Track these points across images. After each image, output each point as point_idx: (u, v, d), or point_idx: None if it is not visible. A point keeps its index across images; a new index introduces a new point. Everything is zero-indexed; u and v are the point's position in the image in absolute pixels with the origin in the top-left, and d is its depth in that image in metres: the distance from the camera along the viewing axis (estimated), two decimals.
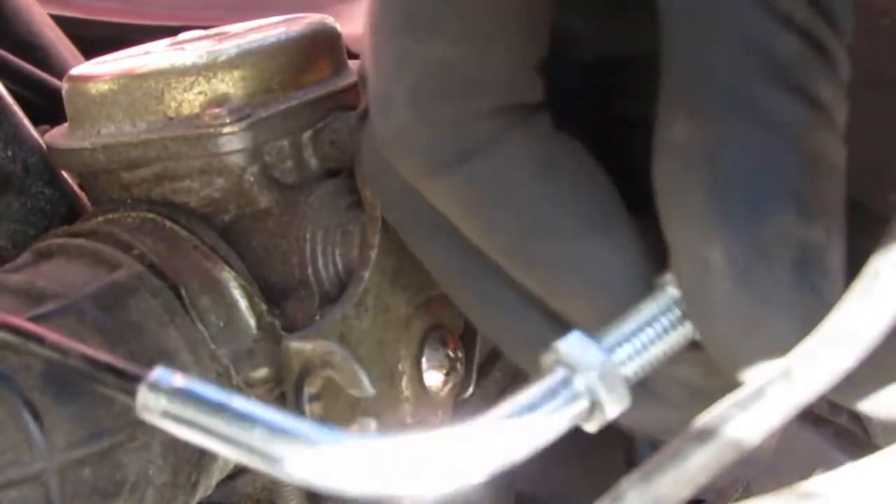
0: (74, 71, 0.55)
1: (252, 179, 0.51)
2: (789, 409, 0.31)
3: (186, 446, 0.47)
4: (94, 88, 0.52)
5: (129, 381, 0.33)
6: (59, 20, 0.91)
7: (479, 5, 0.36)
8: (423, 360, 0.51)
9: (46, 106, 0.61)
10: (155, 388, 0.32)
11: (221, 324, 0.49)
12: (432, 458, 0.29)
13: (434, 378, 0.51)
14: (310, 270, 0.50)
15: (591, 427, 0.32)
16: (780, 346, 0.32)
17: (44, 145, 0.55)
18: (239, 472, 0.53)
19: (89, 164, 0.52)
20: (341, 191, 0.52)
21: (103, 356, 0.37)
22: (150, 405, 0.32)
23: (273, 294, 0.50)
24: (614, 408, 0.32)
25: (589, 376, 0.31)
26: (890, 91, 0.38)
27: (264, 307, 0.49)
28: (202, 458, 0.48)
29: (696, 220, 0.33)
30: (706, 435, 0.30)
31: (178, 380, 0.32)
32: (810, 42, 0.33)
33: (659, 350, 0.34)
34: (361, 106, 0.44)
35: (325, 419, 0.44)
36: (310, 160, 0.52)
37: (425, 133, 0.37)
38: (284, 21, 0.56)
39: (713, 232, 0.33)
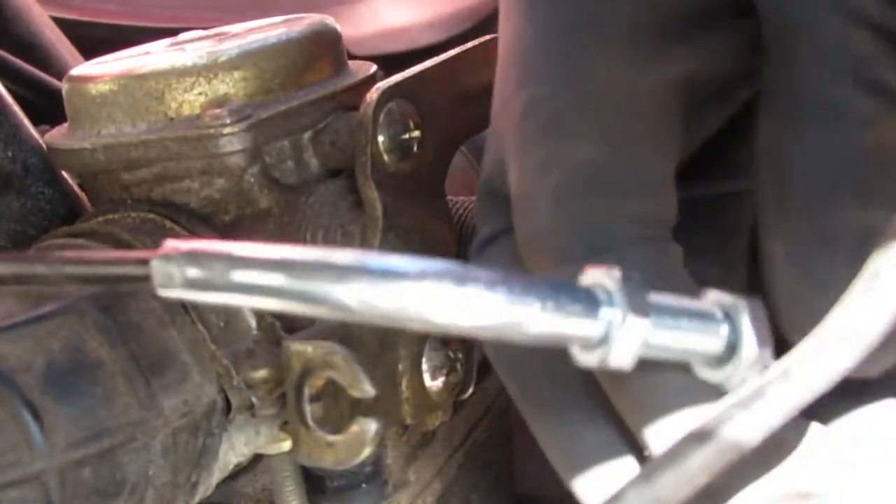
0: (74, 71, 0.55)
1: (252, 180, 0.51)
2: (789, 409, 0.31)
3: (187, 446, 0.47)
4: (95, 89, 0.52)
5: (139, 265, 0.32)
6: (59, 22, 0.92)
7: (621, 110, 0.37)
8: (424, 360, 0.51)
9: (46, 106, 0.61)
10: (168, 259, 0.30)
11: (222, 324, 0.49)
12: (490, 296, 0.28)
13: (434, 378, 0.51)
14: None
15: (584, 360, 0.31)
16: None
17: (44, 145, 0.55)
18: (239, 472, 0.53)
19: (89, 165, 0.52)
20: (342, 191, 0.52)
21: (103, 255, 0.35)
22: (170, 279, 0.30)
23: None
24: (619, 356, 0.30)
25: (616, 314, 0.30)
26: None
27: None
28: (202, 458, 0.48)
29: (766, 215, 0.35)
30: (706, 435, 0.30)
31: (189, 245, 0.30)
32: (882, 33, 0.33)
33: (683, 342, 0.33)
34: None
35: (325, 420, 0.44)
36: (310, 161, 0.52)
37: (564, 232, 0.37)
38: (285, 22, 0.56)
39: (777, 225, 0.34)
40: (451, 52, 0.54)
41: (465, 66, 0.54)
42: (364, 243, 0.49)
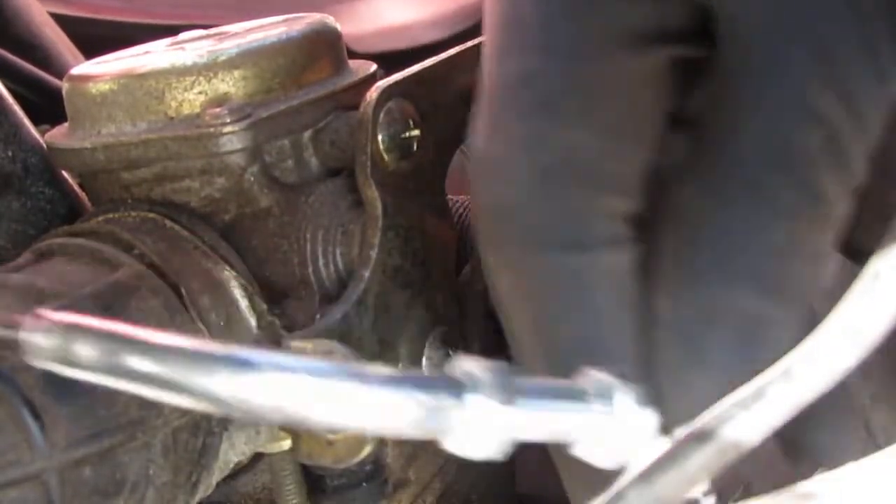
0: (75, 71, 0.55)
1: (252, 179, 0.51)
2: (789, 408, 0.31)
3: (187, 445, 0.47)
4: (95, 88, 0.52)
5: (12, 329, 0.31)
6: (59, 19, 0.92)
7: (619, 105, 0.37)
8: (424, 359, 0.51)
9: (46, 106, 0.61)
10: (40, 328, 0.29)
11: (222, 323, 0.49)
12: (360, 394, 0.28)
13: None
14: (310, 270, 0.50)
15: (451, 446, 0.30)
16: (704, 407, 0.32)
17: (44, 145, 0.55)
18: (239, 471, 0.53)
19: (89, 164, 0.52)
20: (342, 190, 0.52)
21: None
22: (40, 347, 0.29)
23: (273, 293, 0.50)
24: (480, 444, 0.30)
25: (480, 401, 0.30)
26: None
27: (265, 306, 0.49)
28: (202, 457, 0.48)
29: (661, 269, 0.35)
30: (706, 435, 0.30)
31: (65, 317, 0.29)
32: (829, 137, 0.33)
33: (554, 425, 0.32)
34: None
35: None
36: (310, 160, 0.52)
37: (541, 213, 0.37)
38: (285, 21, 0.56)
39: (668, 286, 0.34)
40: (452, 51, 0.54)
41: (466, 64, 0.54)
42: (364, 242, 0.49)
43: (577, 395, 0.33)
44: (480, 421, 0.30)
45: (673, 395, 0.34)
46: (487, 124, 0.38)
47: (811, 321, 0.32)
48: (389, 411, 0.29)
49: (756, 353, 0.34)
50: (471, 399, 0.30)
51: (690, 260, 0.35)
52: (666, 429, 0.33)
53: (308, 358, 0.28)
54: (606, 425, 0.33)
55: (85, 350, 0.28)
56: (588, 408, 0.32)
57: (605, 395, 0.33)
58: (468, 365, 0.30)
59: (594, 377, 0.33)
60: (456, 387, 0.30)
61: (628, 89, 0.37)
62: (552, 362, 0.37)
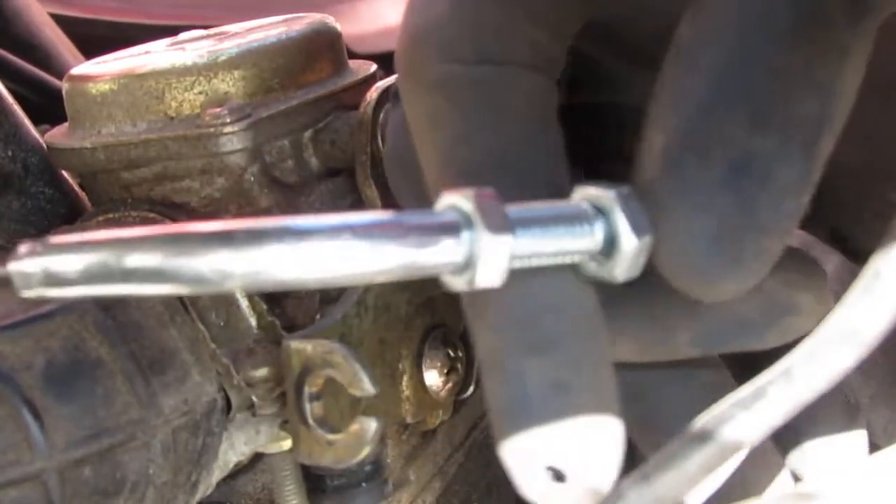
0: (75, 71, 0.55)
1: (252, 179, 0.51)
2: (790, 408, 0.31)
3: (187, 445, 0.47)
4: (95, 88, 0.52)
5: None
6: (59, 19, 0.92)
7: None
8: (424, 359, 0.51)
9: (46, 106, 0.61)
10: (24, 258, 0.27)
11: (221, 323, 0.49)
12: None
13: (434, 377, 0.51)
14: None
15: (456, 284, 0.30)
16: (686, 237, 0.31)
17: (44, 145, 0.55)
18: (239, 471, 0.53)
19: (89, 164, 0.52)
20: (342, 190, 0.52)
21: None
22: (29, 278, 0.27)
23: (273, 293, 0.50)
24: (485, 275, 0.30)
25: (480, 237, 0.29)
26: (890, 91, 0.38)
27: (264, 306, 0.49)
28: (202, 457, 0.48)
29: (654, 102, 0.33)
30: (706, 435, 0.30)
31: (44, 242, 0.27)
32: None
33: (554, 248, 0.32)
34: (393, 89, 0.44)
35: (325, 418, 0.44)
36: (310, 160, 0.52)
37: (457, 29, 0.36)
38: (285, 21, 0.56)
39: (662, 118, 0.32)
40: None
41: None
42: None
43: (577, 217, 0.32)
44: (479, 253, 0.29)
45: (662, 229, 0.33)
46: None
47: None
48: (389, 262, 0.28)
49: (750, 191, 0.31)
50: (466, 234, 0.29)
51: (682, 85, 0.32)
52: (653, 257, 0.32)
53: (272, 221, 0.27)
54: (607, 245, 0.32)
55: (72, 264, 0.27)
56: (589, 230, 0.32)
57: (605, 212, 0.32)
58: (456, 199, 0.30)
59: (593, 193, 0.32)
60: (452, 228, 0.29)
61: None
62: (463, 181, 0.37)
